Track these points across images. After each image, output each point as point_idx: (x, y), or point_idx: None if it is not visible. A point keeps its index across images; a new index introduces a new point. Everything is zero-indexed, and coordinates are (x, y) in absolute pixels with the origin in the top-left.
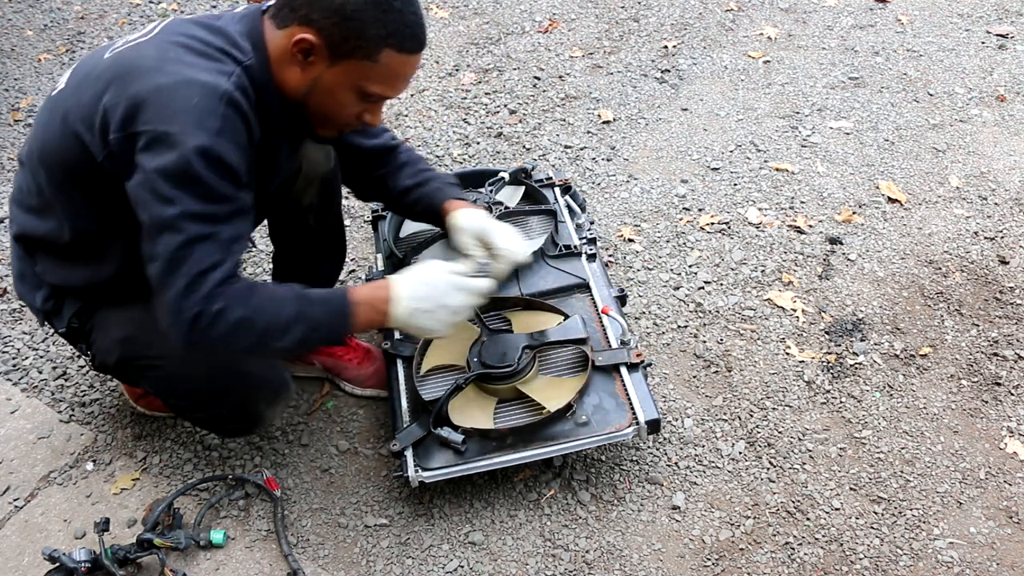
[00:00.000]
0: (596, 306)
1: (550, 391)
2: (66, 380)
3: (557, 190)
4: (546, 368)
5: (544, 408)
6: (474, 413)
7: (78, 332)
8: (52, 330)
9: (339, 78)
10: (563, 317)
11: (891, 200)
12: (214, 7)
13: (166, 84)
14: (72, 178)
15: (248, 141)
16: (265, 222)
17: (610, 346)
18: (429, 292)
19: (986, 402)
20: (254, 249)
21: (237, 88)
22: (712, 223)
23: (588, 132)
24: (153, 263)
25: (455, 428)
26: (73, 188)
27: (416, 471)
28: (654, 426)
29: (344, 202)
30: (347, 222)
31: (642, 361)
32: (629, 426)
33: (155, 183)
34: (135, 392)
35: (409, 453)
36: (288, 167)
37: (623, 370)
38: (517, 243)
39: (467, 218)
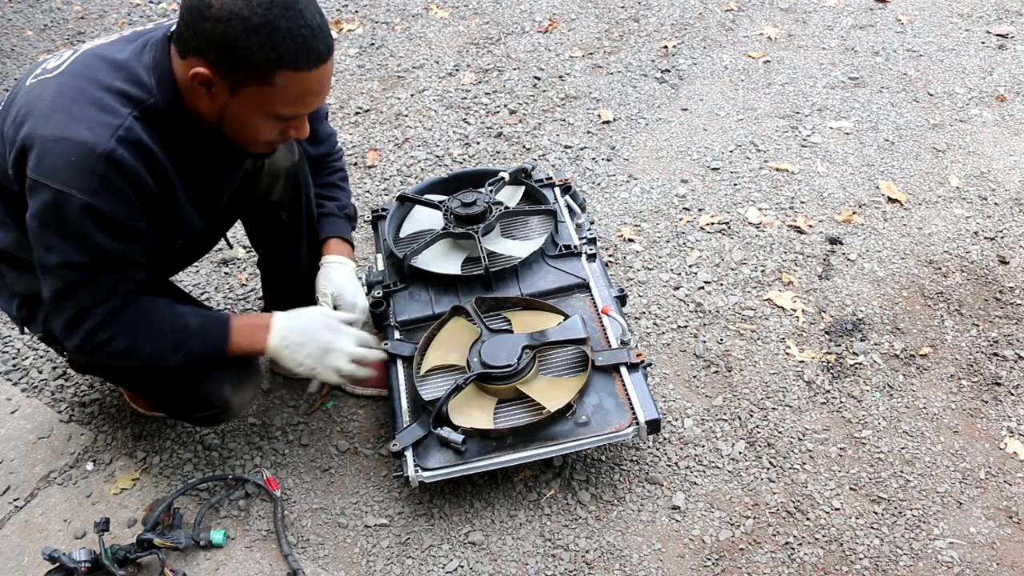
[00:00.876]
0: (596, 306)
1: (550, 391)
2: (66, 380)
3: (557, 190)
4: (546, 368)
5: (544, 408)
6: (474, 413)
7: (53, 334)
8: (31, 336)
9: (244, 105)
10: (563, 317)
11: (891, 200)
12: None
13: (48, 137)
14: (11, 199)
15: (137, 193)
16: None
17: (610, 346)
18: (303, 326)
19: (986, 402)
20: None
21: (122, 142)
22: (712, 223)
23: (588, 132)
24: (43, 295)
25: (455, 428)
26: (16, 208)
27: (416, 471)
28: (654, 426)
29: None
30: None
31: (642, 361)
32: (629, 426)
33: (38, 230)
34: (133, 394)
35: (409, 453)
36: (234, 179)
37: (623, 370)
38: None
39: (330, 274)
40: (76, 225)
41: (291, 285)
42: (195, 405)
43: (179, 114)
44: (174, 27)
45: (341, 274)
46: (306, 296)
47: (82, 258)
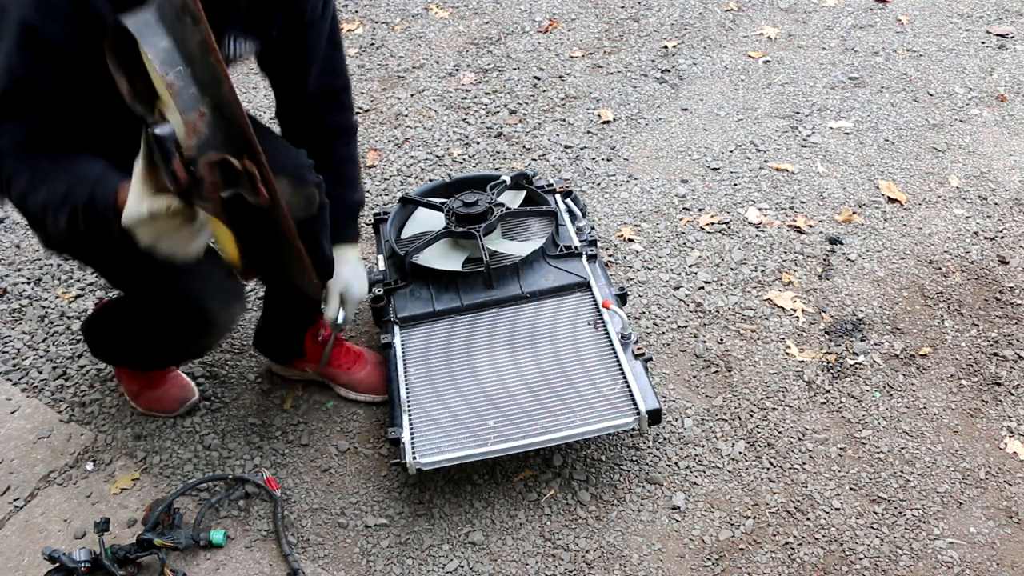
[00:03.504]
0: (596, 303)
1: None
2: (66, 380)
3: (558, 196)
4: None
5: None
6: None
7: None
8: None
9: None
10: None
11: (891, 200)
12: None
13: None
14: None
15: (82, 16)
16: None
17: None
18: None
19: (986, 402)
20: None
21: None
22: (712, 223)
23: (588, 132)
24: None
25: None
26: None
27: (414, 458)
28: (655, 416)
29: None
30: None
31: (642, 354)
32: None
33: None
34: (132, 390)
35: (407, 440)
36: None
37: (623, 359)
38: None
39: (339, 271)
40: (10, 43)
41: (294, 296)
42: (176, 315)
43: None
44: None
45: (346, 269)
46: (307, 299)
47: (9, 87)
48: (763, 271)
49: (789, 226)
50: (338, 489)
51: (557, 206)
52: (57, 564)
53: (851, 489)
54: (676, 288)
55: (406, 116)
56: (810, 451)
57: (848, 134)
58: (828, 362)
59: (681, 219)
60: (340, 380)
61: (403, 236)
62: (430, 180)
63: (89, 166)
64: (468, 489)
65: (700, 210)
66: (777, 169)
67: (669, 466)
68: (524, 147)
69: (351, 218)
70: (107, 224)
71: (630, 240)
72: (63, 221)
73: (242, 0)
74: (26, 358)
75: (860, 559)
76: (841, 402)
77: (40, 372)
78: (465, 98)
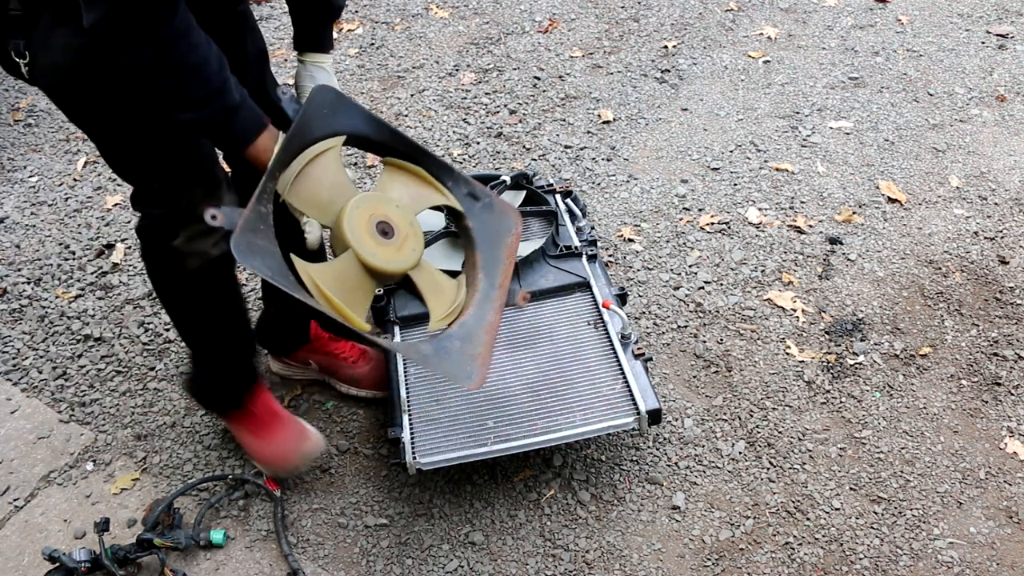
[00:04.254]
0: (596, 302)
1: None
2: (66, 380)
3: (558, 196)
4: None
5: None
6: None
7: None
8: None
9: None
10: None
11: (891, 200)
12: None
13: None
14: None
15: None
16: None
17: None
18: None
19: (986, 402)
20: None
21: None
22: (712, 223)
23: (588, 132)
24: None
25: None
26: None
27: (414, 458)
28: (655, 416)
29: None
30: None
31: (642, 354)
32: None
33: None
34: (250, 442)
35: (407, 440)
36: None
37: (623, 359)
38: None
39: (316, 76)
40: None
41: None
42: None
43: None
44: None
45: (321, 77)
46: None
47: None
48: (763, 271)
49: (789, 226)
50: (338, 489)
51: (557, 206)
52: (57, 564)
53: (851, 489)
54: (676, 288)
55: (406, 116)
56: (810, 451)
57: (848, 134)
58: (828, 362)
59: (681, 219)
60: (342, 374)
61: None
62: None
63: (209, 53)
64: (468, 489)
65: (700, 210)
66: (777, 169)
67: (669, 466)
68: (524, 147)
69: (328, 23)
70: (230, 142)
71: (630, 240)
72: (181, 95)
73: None
74: (26, 358)
75: (860, 559)
76: (841, 402)
77: (40, 372)
78: (465, 98)
